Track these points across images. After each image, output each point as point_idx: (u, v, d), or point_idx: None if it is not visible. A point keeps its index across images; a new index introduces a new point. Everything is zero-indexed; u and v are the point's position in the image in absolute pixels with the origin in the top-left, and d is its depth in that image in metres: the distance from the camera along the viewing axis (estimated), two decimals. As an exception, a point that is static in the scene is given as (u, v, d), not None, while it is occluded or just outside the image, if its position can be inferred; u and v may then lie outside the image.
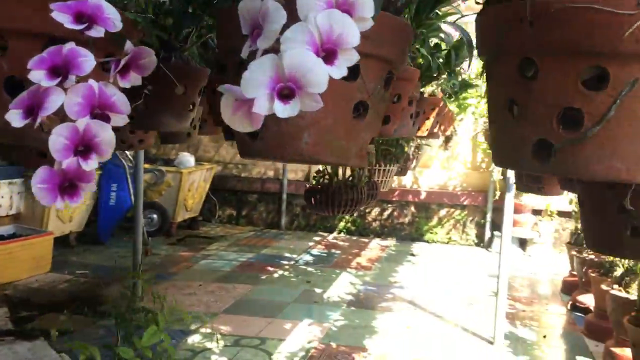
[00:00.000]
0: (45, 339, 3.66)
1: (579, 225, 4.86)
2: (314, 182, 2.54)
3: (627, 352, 3.26)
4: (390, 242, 6.96)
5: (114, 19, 0.56)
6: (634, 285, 3.17)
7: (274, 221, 7.50)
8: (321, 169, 2.55)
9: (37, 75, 0.52)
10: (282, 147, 0.64)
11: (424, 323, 4.12)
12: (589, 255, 4.22)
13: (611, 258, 3.75)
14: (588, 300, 4.27)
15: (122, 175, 5.94)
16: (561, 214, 6.39)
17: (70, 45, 0.54)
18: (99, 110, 0.54)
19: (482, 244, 6.87)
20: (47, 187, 0.52)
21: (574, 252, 4.44)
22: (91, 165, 0.53)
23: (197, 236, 6.85)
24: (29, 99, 0.53)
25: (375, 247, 6.64)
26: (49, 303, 4.33)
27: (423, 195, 7.03)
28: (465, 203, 6.95)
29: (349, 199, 2.46)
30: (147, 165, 6.29)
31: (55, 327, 3.84)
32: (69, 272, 5.08)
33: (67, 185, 0.54)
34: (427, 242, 6.99)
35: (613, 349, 3.35)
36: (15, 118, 0.53)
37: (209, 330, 3.88)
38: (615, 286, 3.28)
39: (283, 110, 0.49)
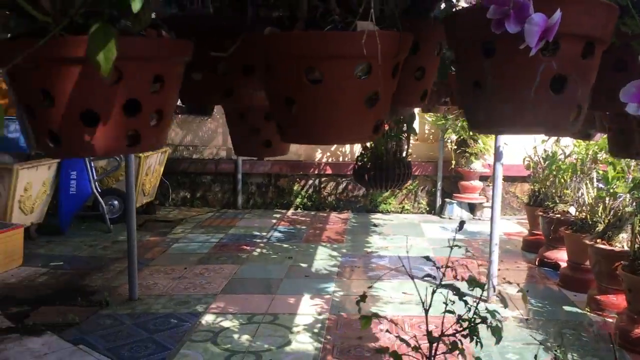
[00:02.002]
0: (54, 333, 3.57)
1: (536, 188, 5.31)
2: (364, 160, 2.66)
3: (610, 298, 3.69)
4: (348, 214, 7.18)
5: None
6: (617, 239, 3.57)
7: (229, 201, 7.50)
8: (369, 146, 2.68)
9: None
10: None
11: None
12: (556, 215, 4.65)
13: (584, 215, 4.17)
14: (556, 255, 4.70)
15: (82, 163, 5.73)
16: (506, 178, 6.89)
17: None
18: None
19: (433, 211, 7.26)
20: None
21: (539, 213, 4.86)
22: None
23: (156, 220, 6.74)
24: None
25: (336, 221, 6.84)
26: (36, 297, 4.17)
27: (377, 168, 7.28)
28: (416, 173, 7.29)
29: (400, 173, 2.62)
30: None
31: (57, 319, 3.74)
32: (42, 264, 4.88)
33: None
34: (382, 212, 7.29)
35: (597, 296, 3.76)
36: (635, 110, 0.65)
37: (217, 311, 3.92)
38: (599, 240, 3.67)
39: None
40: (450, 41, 0.88)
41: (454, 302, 1.88)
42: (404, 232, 6.26)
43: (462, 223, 1.81)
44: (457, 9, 0.74)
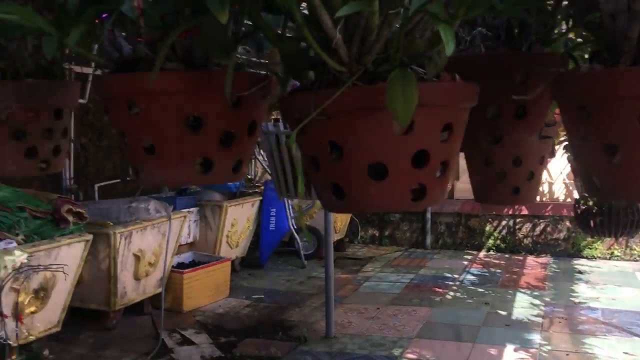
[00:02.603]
0: (259, 366, 3.71)
1: None
2: (588, 204, 2.40)
3: None
4: (547, 259, 6.64)
5: None
6: None
7: (417, 240, 7.37)
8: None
9: None
10: None
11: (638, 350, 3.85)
12: None
13: None
14: None
15: (281, 201, 6.04)
16: None
17: None
18: None
19: (650, 259, 6.43)
20: None
21: None
22: None
23: (345, 257, 6.84)
24: None
25: (534, 265, 6.36)
26: (241, 328, 4.41)
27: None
28: (628, 216, 6.54)
29: (634, 220, 2.31)
30: (299, 189, 6.36)
31: (261, 352, 3.90)
32: (245, 297, 5.18)
33: None
34: (587, 258, 6.62)
35: None
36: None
37: (414, 356, 3.80)
38: None
39: None
40: None
41: None
42: (616, 281, 5.60)
43: None
44: None
